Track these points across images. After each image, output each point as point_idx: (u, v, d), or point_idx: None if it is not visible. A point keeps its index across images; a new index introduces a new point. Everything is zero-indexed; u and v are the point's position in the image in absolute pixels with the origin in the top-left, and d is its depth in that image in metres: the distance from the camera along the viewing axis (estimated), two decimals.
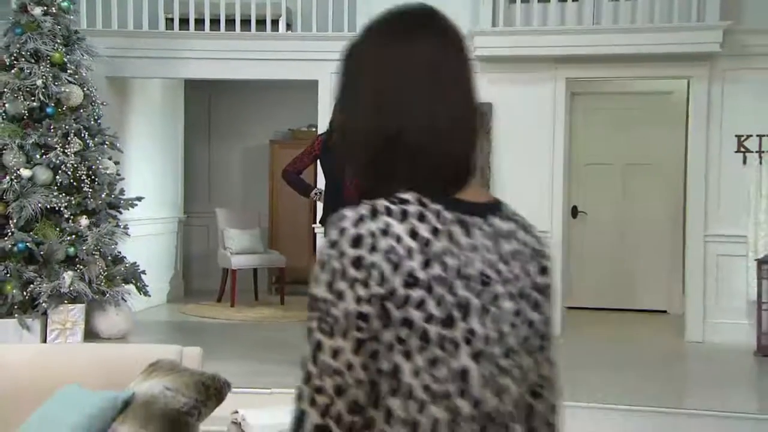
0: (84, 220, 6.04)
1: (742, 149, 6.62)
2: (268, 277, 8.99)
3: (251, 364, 5.54)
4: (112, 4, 7.16)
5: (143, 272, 6.49)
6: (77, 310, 5.92)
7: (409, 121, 1.22)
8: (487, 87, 6.93)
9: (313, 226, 6.59)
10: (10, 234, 5.84)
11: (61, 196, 5.95)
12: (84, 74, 6.29)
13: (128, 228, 6.56)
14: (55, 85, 6.04)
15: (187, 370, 3.35)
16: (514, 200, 6.00)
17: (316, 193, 5.39)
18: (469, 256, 1.18)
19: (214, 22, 7.19)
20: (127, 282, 6.37)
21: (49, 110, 6.02)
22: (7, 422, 3.17)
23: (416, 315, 1.12)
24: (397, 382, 1.13)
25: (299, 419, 1.15)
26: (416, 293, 1.13)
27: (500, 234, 1.25)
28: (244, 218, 8.67)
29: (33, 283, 5.80)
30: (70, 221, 6.00)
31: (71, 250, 5.91)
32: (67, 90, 6.07)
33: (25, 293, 5.78)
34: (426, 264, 1.14)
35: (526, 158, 6.90)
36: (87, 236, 6.00)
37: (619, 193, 8.33)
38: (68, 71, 6.16)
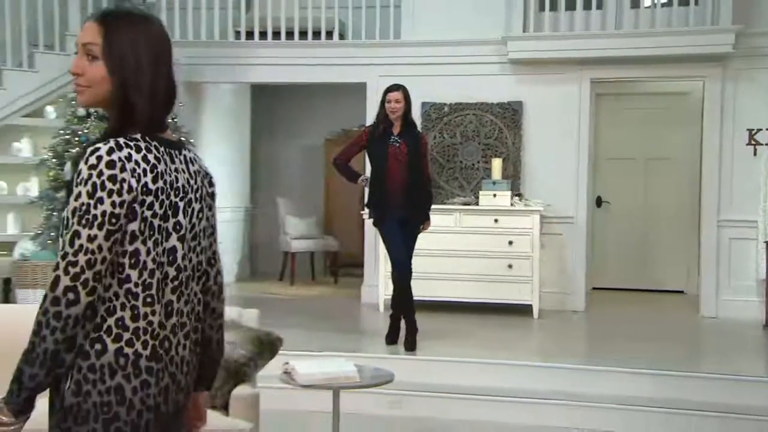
0: None
1: (753, 142, 6.47)
2: (323, 259, 8.99)
3: (305, 332, 5.59)
4: (188, 18, 7.23)
5: None
6: None
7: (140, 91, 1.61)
8: (517, 87, 6.92)
9: (362, 213, 6.61)
10: None
11: None
12: None
13: None
14: None
15: (246, 326, 3.39)
16: (542, 190, 6.05)
17: (362, 180, 5.35)
18: (175, 175, 1.61)
19: (276, 34, 7.26)
20: None
21: None
22: None
23: (148, 213, 1.54)
24: (136, 258, 1.55)
25: (54, 283, 1.47)
26: (149, 198, 1.54)
27: (188, 160, 1.68)
28: (302, 207, 8.71)
29: None
30: None
31: None
32: None
33: None
34: (154, 179, 1.55)
35: (553, 152, 6.84)
36: None
37: (640, 184, 8.20)
38: None
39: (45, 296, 1.47)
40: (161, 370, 1.58)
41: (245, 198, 9.10)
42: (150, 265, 1.56)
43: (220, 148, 8.23)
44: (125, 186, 1.50)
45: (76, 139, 5.88)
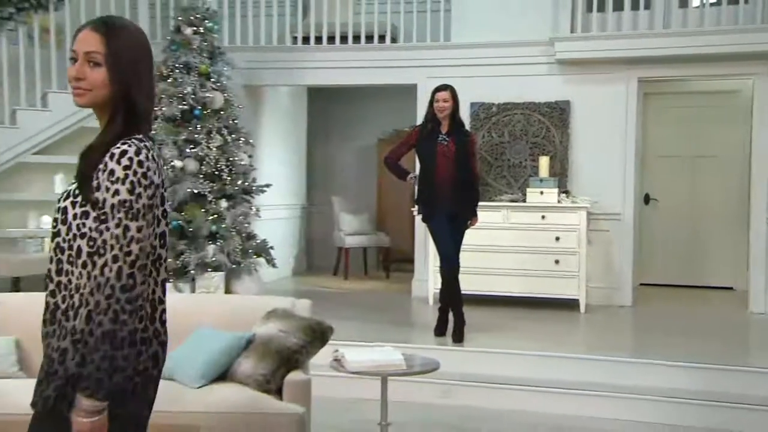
0: (223, 203, 6.02)
1: None
2: (376, 254, 9.02)
3: (357, 324, 5.61)
4: (248, 24, 7.32)
5: (271, 248, 6.44)
6: (218, 277, 5.91)
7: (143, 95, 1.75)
8: (564, 87, 6.79)
9: (412, 209, 6.58)
10: None
11: (205, 182, 5.95)
12: (225, 82, 6.30)
13: (260, 211, 6.49)
14: (201, 91, 6.06)
15: (299, 316, 3.42)
16: (590, 188, 5.90)
17: (412, 177, 5.31)
18: (161, 170, 1.72)
19: (331, 39, 7.28)
20: (258, 255, 6.26)
21: (196, 112, 6.03)
22: None
23: (158, 203, 1.70)
24: (163, 239, 1.74)
25: (118, 273, 1.58)
26: (159, 192, 1.70)
27: (159, 156, 1.80)
28: (355, 204, 8.75)
29: (184, 254, 5.83)
30: (213, 203, 5.98)
31: (213, 227, 5.90)
32: (211, 96, 6.09)
33: (177, 262, 5.79)
34: (159, 174, 1.70)
35: (601, 150, 6.69)
36: (226, 216, 5.98)
37: (688, 182, 7.97)
38: (212, 80, 6.17)
39: (112, 287, 1.58)
40: (161, 342, 1.76)
41: (302, 196, 9.18)
42: (150, 248, 1.69)
43: (278, 149, 8.32)
44: (153, 181, 1.66)
45: None
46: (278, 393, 3.15)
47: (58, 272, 1.68)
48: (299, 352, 3.23)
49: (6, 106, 6.15)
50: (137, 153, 1.64)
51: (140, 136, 1.69)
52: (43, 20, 6.59)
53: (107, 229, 1.61)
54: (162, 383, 3.17)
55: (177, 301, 4.10)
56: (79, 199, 1.67)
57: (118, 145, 1.66)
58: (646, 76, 6.71)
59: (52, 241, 1.70)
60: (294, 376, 3.18)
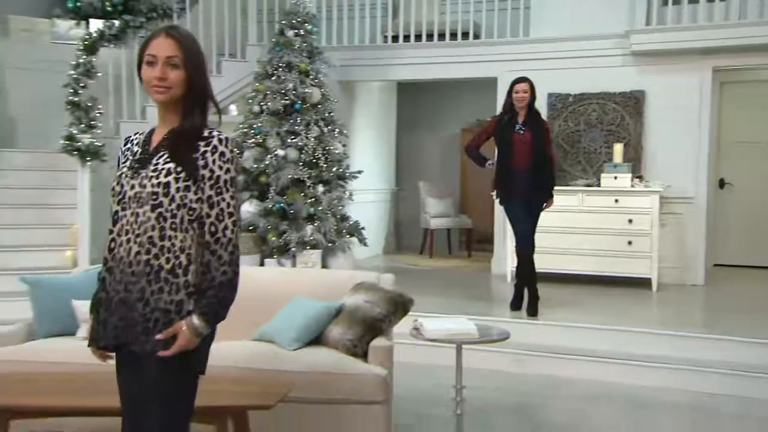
0: (320, 188, 6.08)
1: None
2: (459, 235, 9.01)
3: (440, 298, 5.66)
4: (343, 25, 7.42)
5: (363, 228, 6.46)
6: (316, 254, 5.97)
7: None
8: (639, 77, 6.57)
9: (491, 194, 6.55)
10: (270, 198, 5.99)
11: (304, 169, 6.02)
12: (322, 79, 6.35)
13: (353, 195, 6.54)
14: (301, 87, 6.12)
15: (383, 289, 3.48)
16: (663, 173, 5.72)
17: (490, 164, 5.27)
18: None
19: (417, 37, 7.30)
20: (351, 235, 6.32)
21: (297, 106, 6.10)
22: (256, 321, 3.41)
23: None
24: None
25: (237, 236, 1.86)
26: None
27: None
28: (440, 189, 8.76)
29: (285, 233, 5.91)
30: (311, 188, 6.04)
31: (311, 209, 5.98)
32: (310, 91, 6.15)
33: (280, 240, 5.90)
34: None
35: (674, 138, 6.45)
36: (322, 200, 6.05)
37: (764, 167, 7.56)
38: (311, 77, 6.22)
39: (234, 245, 1.87)
40: None
41: (391, 182, 9.24)
42: None
43: (369, 139, 8.40)
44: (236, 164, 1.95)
45: (252, 131, 6.17)
46: (364, 357, 3.22)
47: (161, 238, 1.85)
48: (383, 320, 3.28)
49: (110, 119, 6.34)
50: (229, 139, 1.91)
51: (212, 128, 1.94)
52: None
53: (223, 200, 1.86)
54: (262, 345, 3.36)
55: (278, 274, 4.28)
56: (182, 175, 1.84)
57: (214, 133, 1.90)
58: (720, 66, 6.39)
59: (153, 211, 1.85)
60: (378, 342, 3.23)
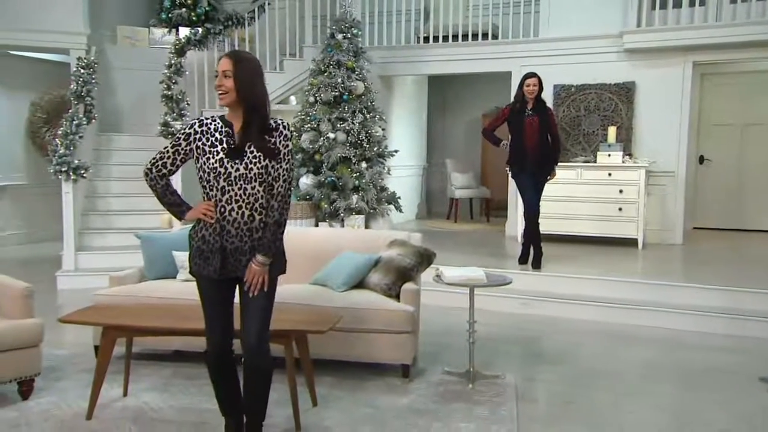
0: (363, 164, 6.13)
1: None
2: (480, 204, 9.01)
3: (462, 256, 5.74)
4: (383, 29, 7.42)
5: (399, 198, 6.48)
6: (360, 219, 6.03)
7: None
8: (631, 70, 6.51)
9: (506, 169, 6.61)
10: (323, 172, 6.07)
11: (350, 149, 6.05)
12: (365, 74, 6.35)
13: (390, 170, 6.59)
14: (348, 81, 6.14)
15: (412, 245, 3.63)
16: (649, 151, 5.77)
17: (503, 144, 5.30)
18: None
19: (445, 37, 7.31)
20: (389, 203, 6.39)
21: (344, 97, 6.13)
22: (309, 272, 3.58)
23: None
24: None
25: (289, 190, 2.26)
26: None
27: None
28: (464, 165, 8.76)
29: (336, 201, 5.99)
30: (356, 165, 6.09)
31: (356, 182, 6.04)
32: (355, 84, 6.16)
33: (331, 207, 5.98)
34: None
35: (660, 121, 6.41)
36: (365, 174, 6.10)
37: (738, 145, 7.44)
38: (356, 73, 6.23)
39: (288, 199, 2.22)
40: None
41: (422, 159, 9.25)
42: None
43: (404, 124, 8.40)
44: None
45: (308, 117, 6.27)
46: (397, 297, 3.38)
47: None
48: (412, 269, 3.43)
49: (196, 108, 6.44)
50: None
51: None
52: (241, 33, 7.11)
53: (282, 166, 2.21)
54: (318, 287, 3.57)
55: (330, 233, 4.40)
56: (268, 160, 2.19)
57: (278, 122, 2.24)
58: (700, 60, 6.30)
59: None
60: (408, 286, 3.38)
